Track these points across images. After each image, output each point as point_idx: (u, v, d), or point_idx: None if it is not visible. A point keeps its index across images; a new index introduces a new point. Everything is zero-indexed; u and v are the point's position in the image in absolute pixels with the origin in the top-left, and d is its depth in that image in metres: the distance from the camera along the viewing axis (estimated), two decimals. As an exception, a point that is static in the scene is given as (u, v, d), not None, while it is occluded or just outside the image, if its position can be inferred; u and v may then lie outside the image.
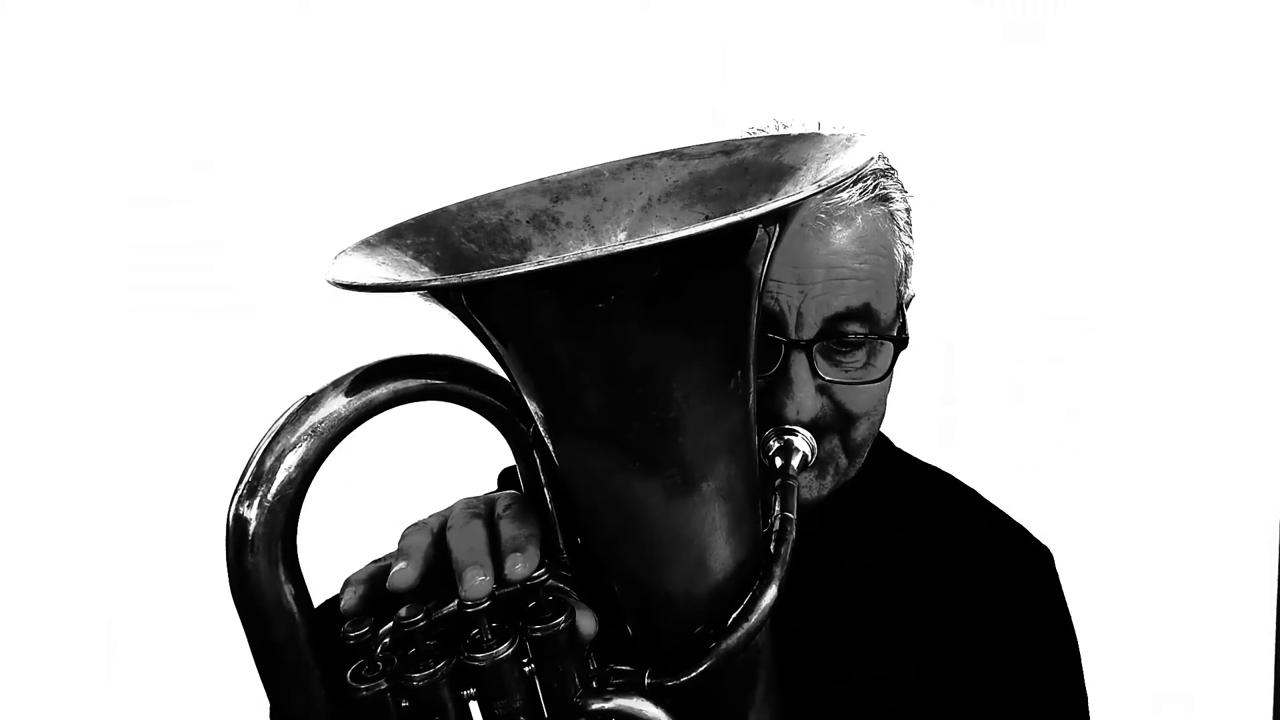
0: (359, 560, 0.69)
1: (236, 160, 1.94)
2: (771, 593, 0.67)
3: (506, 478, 1.10)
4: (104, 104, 1.92)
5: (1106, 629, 1.30)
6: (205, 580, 0.85)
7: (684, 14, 1.91)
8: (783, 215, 0.57)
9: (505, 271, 0.45)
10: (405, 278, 0.60)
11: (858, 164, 0.55)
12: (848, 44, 1.91)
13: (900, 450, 1.08)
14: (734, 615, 0.66)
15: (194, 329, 1.96)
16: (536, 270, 0.44)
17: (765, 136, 0.70)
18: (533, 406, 0.61)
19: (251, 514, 0.60)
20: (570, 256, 0.43)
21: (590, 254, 0.44)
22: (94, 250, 1.95)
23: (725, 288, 0.56)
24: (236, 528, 0.60)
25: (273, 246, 1.93)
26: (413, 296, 0.58)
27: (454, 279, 0.46)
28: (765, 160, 0.70)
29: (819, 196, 0.82)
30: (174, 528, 1.88)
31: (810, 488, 0.90)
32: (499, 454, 0.73)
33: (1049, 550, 1.03)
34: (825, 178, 0.60)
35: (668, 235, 0.45)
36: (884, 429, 1.00)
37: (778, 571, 0.68)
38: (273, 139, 1.94)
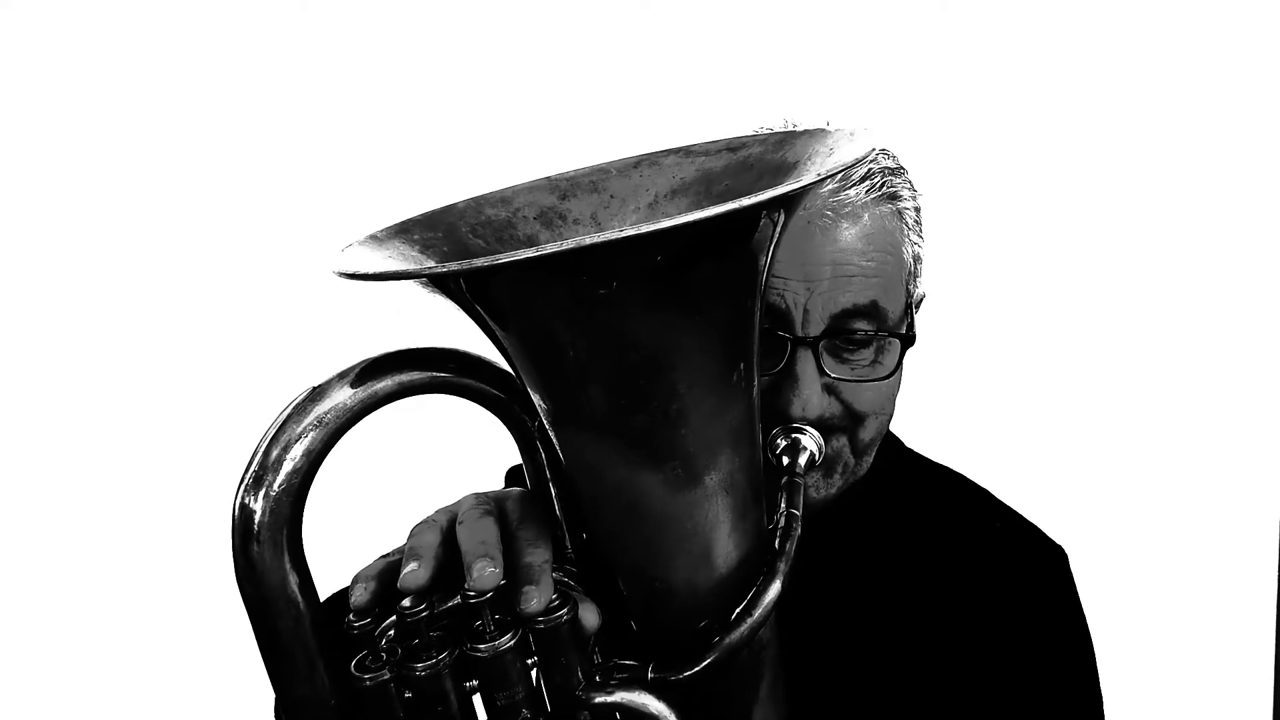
0: (364, 553, 0.69)
1: (236, 160, 1.95)
2: (775, 587, 0.67)
3: (514, 476, 1.10)
4: (105, 104, 1.93)
5: (1115, 629, 1.29)
6: (210, 571, 0.86)
7: (684, 14, 1.91)
8: (786, 202, 0.57)
9: (505, 258, 0.45)
10: (410, 269, 0.61)
11: (859, 153, 0.55)
12: (849, 45, 1.90)
13: (911, 450, 1.08)
14: (738, 610, 0.66)
15: (194, 328, 1.97)
16: (536, 256, 0.45)
17: (771, 134, 0.71)
18: (535, 398, 0.61)
19: (257, 504, 0.60)
20: (569, 242, 0.44)
21: (589, 240, 0.44)
22: (94, 250, 1.96)
23: (728, 276, 0.56)
24: (242, 517, 0.61)
25: (273, 246, 1.93)
26: (419, 291, 0.59)
27: (453, 265, 0.46)
28: (771, 156, 0.70)
29: (826, 192, 0.83)
30: (178, 521, 1.89)
31: (818, 488, 0.89)
32: (504, 447, 0.74)
33: (1063, 550, 1.02)
34: (829, 169, 0.60)
35: (669, 221, 0.45)
36: (894, 429, 1.00)
37: (781, 567, 0.68)
38: (276, 138, 1.94)
